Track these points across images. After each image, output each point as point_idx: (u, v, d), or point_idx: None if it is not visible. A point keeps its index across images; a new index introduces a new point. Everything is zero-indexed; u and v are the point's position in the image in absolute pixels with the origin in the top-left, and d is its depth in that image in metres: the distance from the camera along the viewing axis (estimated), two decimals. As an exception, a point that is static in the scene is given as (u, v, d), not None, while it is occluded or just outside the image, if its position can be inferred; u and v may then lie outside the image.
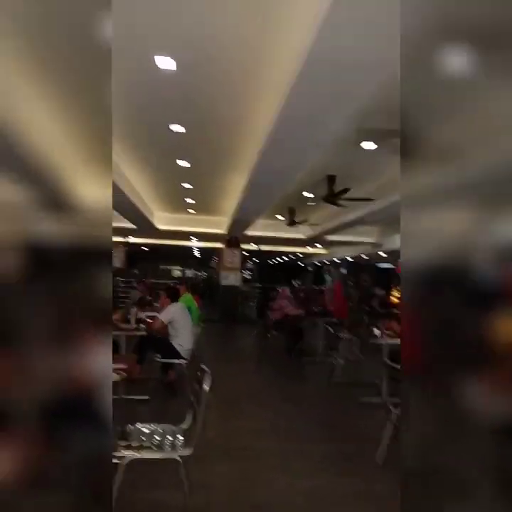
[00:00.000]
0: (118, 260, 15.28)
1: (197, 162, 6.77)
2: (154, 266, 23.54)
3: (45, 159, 4.40)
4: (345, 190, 6.73)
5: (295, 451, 3.29)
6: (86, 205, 1.37)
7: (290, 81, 3.24)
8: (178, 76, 3.83)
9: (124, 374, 2.29)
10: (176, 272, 25.92)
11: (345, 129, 4.47)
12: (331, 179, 6.98)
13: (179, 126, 5.17)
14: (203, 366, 2.34)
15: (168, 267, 25.39)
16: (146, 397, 4.22)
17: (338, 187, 6.97)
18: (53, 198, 1.36)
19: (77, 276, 1.21)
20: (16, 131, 3.68)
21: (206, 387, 2.17)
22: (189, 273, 26.27)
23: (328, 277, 14.99)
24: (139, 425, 2.42)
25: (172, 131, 5.32)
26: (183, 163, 6.86)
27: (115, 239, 15.10)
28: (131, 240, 15.22)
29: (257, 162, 5.38)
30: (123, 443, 2.18)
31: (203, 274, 25.53)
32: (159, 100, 4.47)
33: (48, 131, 4.36)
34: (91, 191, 1.27)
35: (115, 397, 2.39)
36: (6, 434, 1.02)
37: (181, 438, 2.27)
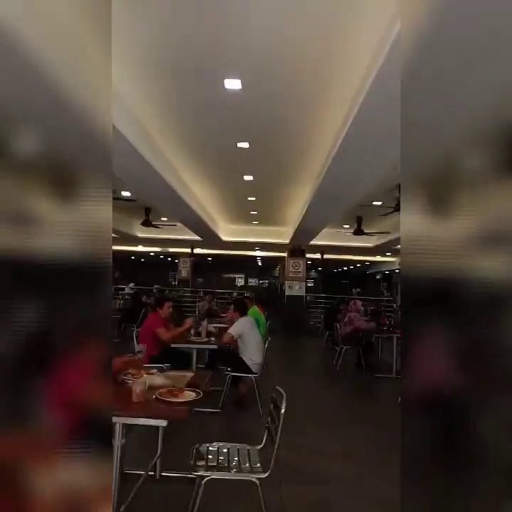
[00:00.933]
0: (184, 271, 15.91)
1: (260, 175, 6.84)
2: (218, 275, 24.18)
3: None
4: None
5: (366, 475, 3.14)
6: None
7: (360, 95, 3.17)
8: (243, 95, 3.90)
9: (200, 393, 2.33)
10: (239, 280, 26.38)
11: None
12: (402, 187, 6.68)
13: (244, 142, 5.27)
14: (279, 389, 2.32)
15: (232, 276, 25.94)
16: (217, 410, 4.29)
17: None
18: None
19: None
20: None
21: (282, 410, 2.15)
22: (252, 282, 26.61)
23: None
24: (216, 444, 2.46)
25: (238, 147, 5.44)
26: (247, 177, 6.98)
27: (181, 250, 15.76)
28: (197, 251, 15.77)
29: (323, 174, 5.30)
30: (201, 463, 2.22)
31: (265, 282, 25.73)
32: (225, 119, 4.59)
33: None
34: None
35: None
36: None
37: (258, 463, 2.26)
